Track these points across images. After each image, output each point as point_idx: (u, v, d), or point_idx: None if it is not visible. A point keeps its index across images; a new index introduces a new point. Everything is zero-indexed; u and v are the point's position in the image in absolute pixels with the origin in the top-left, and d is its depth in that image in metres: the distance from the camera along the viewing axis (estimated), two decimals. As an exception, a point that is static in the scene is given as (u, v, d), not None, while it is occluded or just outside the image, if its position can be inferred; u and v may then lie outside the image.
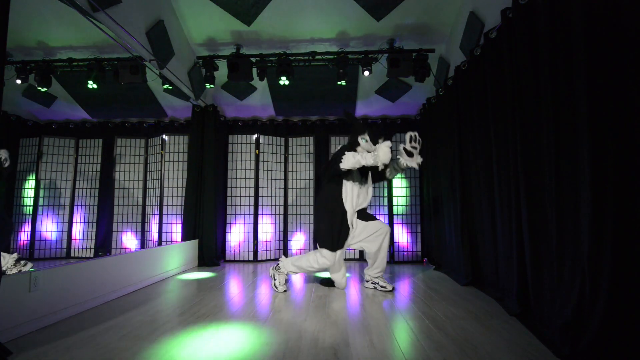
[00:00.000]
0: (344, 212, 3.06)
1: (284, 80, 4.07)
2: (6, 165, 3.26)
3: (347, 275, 3.16)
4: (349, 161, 2.93)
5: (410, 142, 2.95)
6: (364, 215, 3.20)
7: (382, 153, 2.84)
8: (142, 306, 2.68)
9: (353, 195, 3.10)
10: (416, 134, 2.97)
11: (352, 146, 3.16)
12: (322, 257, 3.02)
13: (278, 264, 3.22)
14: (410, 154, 2.98)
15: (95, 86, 3.74)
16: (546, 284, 2.09)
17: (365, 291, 3.14)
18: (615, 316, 1.58)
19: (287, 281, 3.30)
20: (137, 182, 5.19)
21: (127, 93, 4.58)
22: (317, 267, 3.06)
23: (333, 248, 3.02)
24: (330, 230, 3.04)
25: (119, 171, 5.15)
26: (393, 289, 3.16)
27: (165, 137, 5.04)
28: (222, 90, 4.86)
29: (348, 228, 3.07)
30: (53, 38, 3.47)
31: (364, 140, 3.12)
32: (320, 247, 3.06)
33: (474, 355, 1.76)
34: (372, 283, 3.19)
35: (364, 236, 3.13)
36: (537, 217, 2.17)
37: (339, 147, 3.22)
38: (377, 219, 3.21)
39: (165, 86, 4.13)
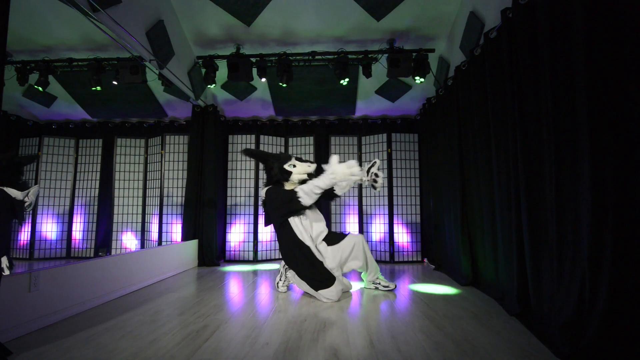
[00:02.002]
0: (309, 249, 2.90)
1: (284, 82, 4.07)
2: (29, 209, 3.19)
3: (347, 287, 3.03)
4: (310, 194, 2.86)
5: (376, 171, 3.01)
6: (331, 237, 3.04)
7: (340, 171, 2.75)
8: (142, 306, 2.68)
9: (307, 229, 2.95)
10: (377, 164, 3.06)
11: (282, 178, 3.00)
12: (325, 298, 2.79)
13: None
14: (374, 180, 3.01)
15: (98, 88, 3.75)
16: (546, 284, 2.09)
17: (365, 291, 3.14)
18: (615, 316, 1.58)
19: (289, 287, 3.27)
20: (137, 182, 5.18)
21: (127, 93, 4.58)
22: (324, 302, 2.80)
23: (328, 285, 2.80)
24: (312, 273, 2.85)
25: (119, 171, 5.15)
26: (395, 287, 3.15)
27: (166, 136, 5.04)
28: (222, 90, 4.86)
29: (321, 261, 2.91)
30: (53, 38, 3.47)
31: (292, 166, 2.99)
32: (316, 290, 2.82)
33: (473, 355, 1.76)
34: (373, 284, 3.18)
35: (344, 258, 2.97)
36: (537, 217, 2.17)
37: (271, 188, 3.05)
38: (346, 234, 3.06)
39: (165, 87, 4.13)
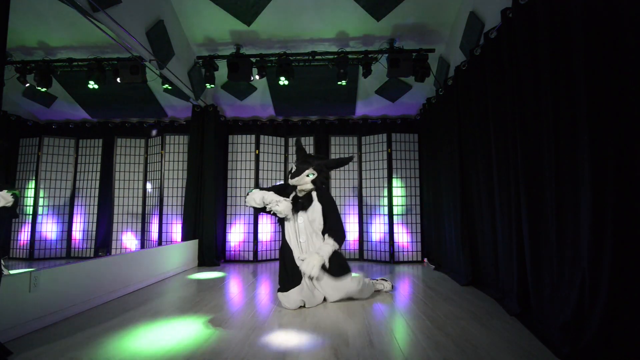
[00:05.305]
0: (291, 252, 2.82)
1: (283, 81, 4.07)
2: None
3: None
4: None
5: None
6: (335, 269, 2.74)
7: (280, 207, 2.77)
8: (142, 306, 2.68)
9: (295, 234, 2.86)
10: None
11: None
12: (283, 305, 2.65)
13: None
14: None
15: (96, 86, 3.74)
16: (546, 284, 2.09)
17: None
18: (615, 316, 1.58)
19: None
20: (137, 182, 5.19)
21: (127, 93, 4.58)
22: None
23: (281, 289, 2.67)
24: (280, 271, 2.81)
25: (119, 171, 5.15)
26: (393, 287, 3.14)
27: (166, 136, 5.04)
28: (222, 90, 4.86)
29: (297, 267, 2.73)
30: (53, 38, 3.47)
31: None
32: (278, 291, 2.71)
33: (474, 355, 1.76)
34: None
35: (335, 297, 2.77)
36: (537, 217, 2.17)
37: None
38: (350, 278, 2.76)
39: (165, 86, 4.13)
